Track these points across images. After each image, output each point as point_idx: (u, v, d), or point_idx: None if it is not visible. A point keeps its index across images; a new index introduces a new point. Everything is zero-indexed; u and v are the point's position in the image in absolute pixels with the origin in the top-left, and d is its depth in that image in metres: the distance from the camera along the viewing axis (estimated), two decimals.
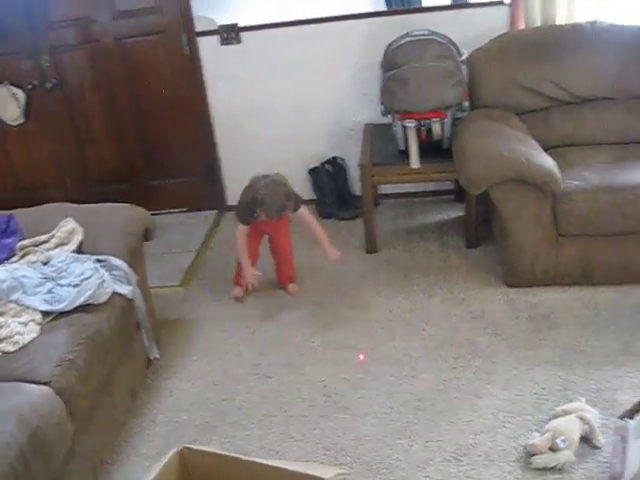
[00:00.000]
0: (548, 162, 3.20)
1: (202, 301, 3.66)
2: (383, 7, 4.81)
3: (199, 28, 4.34)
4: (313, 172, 4.50)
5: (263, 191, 3.24)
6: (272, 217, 3.29)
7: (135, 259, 2.99)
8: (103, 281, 2.68)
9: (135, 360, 2.95)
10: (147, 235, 3.12)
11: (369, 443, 2.53)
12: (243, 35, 4.33)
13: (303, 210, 3.47)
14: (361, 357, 3.01)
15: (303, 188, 4.54)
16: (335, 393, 2.81)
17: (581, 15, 3.99)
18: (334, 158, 4.50)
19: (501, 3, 4.13)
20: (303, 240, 3.78)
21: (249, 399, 2.85)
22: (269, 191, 3.25)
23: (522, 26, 4.09)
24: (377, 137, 4.09)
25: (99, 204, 3.17)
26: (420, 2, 4.99)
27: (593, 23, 3.83)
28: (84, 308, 2.58)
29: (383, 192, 4.59)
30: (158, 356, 3.11)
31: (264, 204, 3.24)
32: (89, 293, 2.60)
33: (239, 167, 4.61)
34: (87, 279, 2.64)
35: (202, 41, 4.37)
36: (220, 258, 4.11)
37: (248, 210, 3.35)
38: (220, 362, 3.11)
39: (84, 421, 2.40)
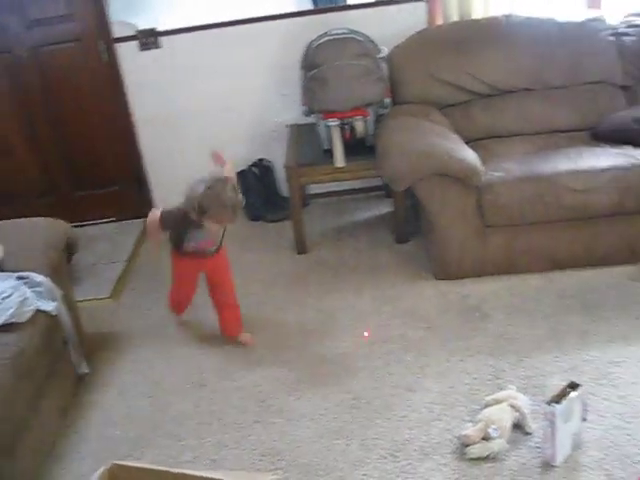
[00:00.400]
0: (470, 155, 3.24)
1: (133, 312, 3.59)
2: (310, 6, 4.80)
3: (117, 34, 4.27)
4: (240, 175, 4.45)
5: (209, 193, 2.77)
6: (230, 219, 2.85)
7: (59, 274, 2.91)
8: (25, 299, 2.60)
9: (64, 377, 2.87)
10: (70, 248, 3.05)
11: (305, 445, 2.52)
12: (163, 39, 4.28)
13: None
14: (366, 334, 3.06)
15: None
16: (269, 397, 2.79)
17: (497, 9, 4.07)
18: (260, 160, 4.48)
19: (419, 0, 4.18)
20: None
21: (182, 409, 2.80)
22: (216, 191, 2.77)
23: (440, 22, 4.15)
24: (302, 137, 4.09)
25: (18, 219, 3.09)
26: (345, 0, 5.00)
27: (508, 16, 3.92)
28: (6, 327, 2.50)
29: (312, 192, 4.59)
30: (87, 371, 3.03)
31: (214, 207, 2.77)
32: (10, 312, 2.52)
33: (166, 173, 4.57)
34: (7, 297, 2.56)
35: (120, 47, 4.30)
36: (150, 267, 4.05)
37: (185, 231, 2.96)
38: (152, 373, 3.06)
39: (10, 443, 2.32)
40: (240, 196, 2.87)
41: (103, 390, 2.98)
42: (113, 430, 2.73)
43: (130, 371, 3.09)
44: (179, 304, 3.30)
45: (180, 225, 2.94)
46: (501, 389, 2.61)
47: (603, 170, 3.22)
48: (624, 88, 3.84)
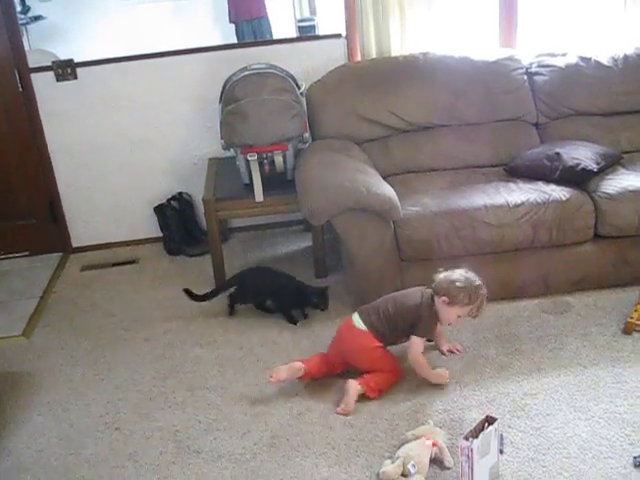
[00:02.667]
0: (387, 190, 3.28)
1: (46, 350, 3.46)
2: (234, 40, 4.81)
3: (33, 63, 4.17)
4: (158, 209, 4.40)
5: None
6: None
7: None
8: None
9: None
10: None
11: None
12: (80, 71, 4.20)
13: None
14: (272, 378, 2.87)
15: (150, 226, 4.46)
16: (187, 438, 2.73)
17: (414, 47, 4.16)
18: (180, 194, 4.43)
19: (338, 36, 4.24)
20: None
21: (97, 452, 2.71)
22: None
23: (359, 58, 4.21)
24: (222, 171, 4.07)
25: None
26: (271, 34, 5.05)
27: (425, 54, 4.00)
28: None
29: (233, 226, 4.56)
30: None
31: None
32: None
33: (83, 206, 4.49)
34: None
35: (36, 77, 4.20)
36: (65, 303, 3.93)
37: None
38: (65, 415, 2.95)
39: None
40: None
41: (13, 433, 2.85)
42: (23, 476, 2.62)
43: (42, 413, 2.98)
44: None
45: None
46: (420, 424, 2.62)
47: (517, 205, 3.30)
48: (537, 125, 3.97)
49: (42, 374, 3.26)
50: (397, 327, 2.89)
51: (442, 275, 2.84)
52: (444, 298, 2.77)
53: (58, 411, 2.98)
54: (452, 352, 3.09)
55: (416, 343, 2.86)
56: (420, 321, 2.84)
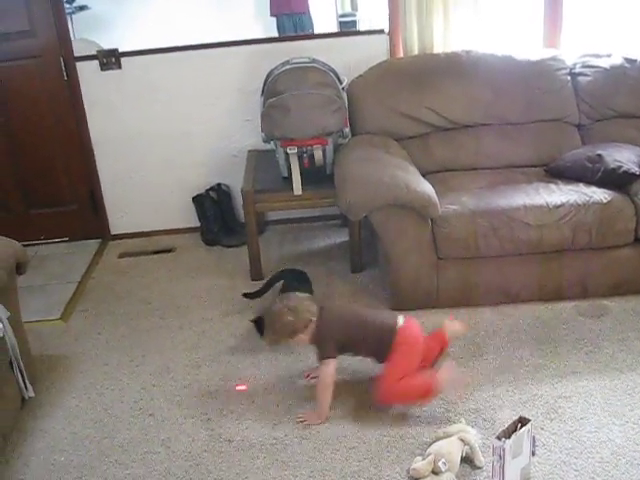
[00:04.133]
0: (426, 187, 3.27)
1: (83, 334, 3.52)
2: (275, 33, 4.82)
3: (78, 52, 4.23)
4: (197, 199, 4.44)
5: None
6: None
7: (6, 295, 2.84)
8: None
9: (7, 400, 2.79)
10: (19, 269, 2.97)
11: (254, 476, 2.48)
12: (124, 60, 4.25)
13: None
14: (242, 387, 2.94)
15: (188, 216, 4.50)
16: (219, 426, 2.75)
17: (457, 44, 4.13)
18: (218, 185, 4.46)
19: (381, 32, 4.23)
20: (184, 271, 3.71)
21: (130, 436, 2.74)
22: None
23: (401, 54, 4.20)
24: (261, 163, 4.09)
25: None
26: (312, 29, 5.04)
27: (468, 52, 3.97)
28: None
29: (270, 218, 4.59)
30: (33, 395, 2.95)
31: None
32: None
33: (122, 195, 4.54)
34: None
35: (81, 66, 4.26)
36: (103, 289, 3.98)
37: None
38: (100, 399, 3.00)
39: None
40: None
41: (48, 415, 2.91)
42: (58, 457, 2.66)
43: (77, 396, 3.03)
44: None
45: None
46: (452, 422, 2.61)
47: (557, 206, 3.27)
48: (579, 127, 3.92)
49: (78, 358, 3.31)
50: None
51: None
52: None
53: (93, 395, 3.03)
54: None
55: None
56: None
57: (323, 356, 2.76)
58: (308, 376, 2.97)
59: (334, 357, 2.75)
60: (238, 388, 2.96)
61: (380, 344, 2.78)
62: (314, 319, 2.77)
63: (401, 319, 2.85)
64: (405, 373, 2.71)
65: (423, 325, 3.25)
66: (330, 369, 2.74)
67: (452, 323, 2.98)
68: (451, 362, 2.87)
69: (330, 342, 2.77)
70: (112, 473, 2.56)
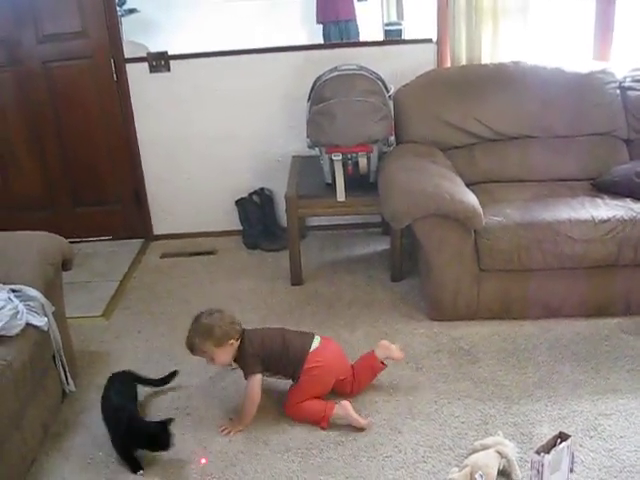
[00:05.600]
0: (471, 198, 3.25)
1: (124, 332, 3.57)
2: (320, 40, 4.85)
3: (128, 54, 4.30)
4: (240, 203, 4.47)
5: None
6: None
7: (52, 289, 2.90)
8: (17, 312, 2.58)
9: (49, 393, 2.84)
10: (65, 265, 3.03)
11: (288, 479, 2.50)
12: (173, 63, 4.31)
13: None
14: (203, 461, 2.62)
15: (230, 219, 4.54)
16: (255, 429, 2.77)
17: (505, 55, 4.11)
18: (262, 189, 4.50)
19: (429, 41, 4.23)
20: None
21: None
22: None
23: (448, 64, 4.19)
24: (304, 169, 4.11)
25: (15, 232, 3.08)
26: (358, 37, 5.06)
27: (516, 63, 3.95)
28: None
29: (311, 224, 4.60)
30: (74, 389, 3.00)
31: None
32: (1, 325, 2.50)
33: (166, 196, 4.59)
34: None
35: (131, 68, 4.33)
36: (144, 288, 4.04)
37: None
38: (139, 396, 3.03)
39: None
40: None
41: (88, 410, 2.95)
42: (96, 452, 2.70)
43: None
44: None
45: None
46: (489, 435, 2.59)
47: (603, 221, 3.23)
48: (627, 142, 3.86)
49: (119, 355, 3.36)
50: None
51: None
52: None
53: None
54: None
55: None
56: None
57: (248, 372, 2.80)
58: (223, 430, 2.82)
59: (259, 372, 2.79)
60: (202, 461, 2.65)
61: (293, 366, 2.83)
62: (239, 336, 2.81)
63: (316, 342, 2.88)
64: (309, 396, 2.81)
65: (461, 337, 3.26)
66: (256, 385, 2.79)
67: (386, 347, 2.92)
68: (347, 402, 2.78)
69: (254, 358, 2.80)
70: (149, 471, 2.58)
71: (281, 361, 2.83)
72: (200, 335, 2.76)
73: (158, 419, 2.64)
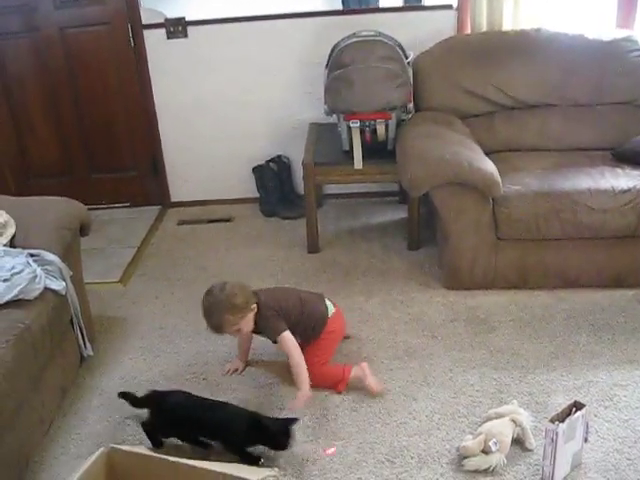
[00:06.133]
0: (489, 166, 3.23)
1: (141, 298, 3.60)
2: (339, 6, 4.78)
3: (145, 20, 4.28)
4: (257, 170, 4.46)
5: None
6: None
7: (70, 254, 2.92)
8: (35, 276, 2.61)
9: (67, 357, 2.88)
10: (83, 230, 3.05)
11: (303, 445, 2.51)
12: (190, 29, 4.28)
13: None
14: (330, 451, 2.50)
15: (247, 186, 4.53)
16: (270, 394, 2.79)
17: (527, 22, 4.04)
18: (279, 156, 4.48)
19: (449, 7, 4.16)
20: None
21: None
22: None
23: (468, 31, 4.13)
24: (322, 136, 4.09)
25: (33, 197, 3.10)
26: (377, 3, 4.99)
27: (538, 31, 3.88)
28: (14, 303, 2.51)
29: (328, 192, 4.59)
30: (92, 353, 3.04)
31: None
32: (19, 288, 2.53)
33: (183, 163, 4.60)
34: (18, 274, 2.57)
35: (148, 34, 4.31)
36: (161, 255, 4.06)
37: None
38: (156, 361, 3.06)
39: (10, 419, 2.32)
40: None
41: (106, 374, 2.99)
42: (113, 414, 2.73)
43: (134, 357, 3.10)
44: None
45: None
46: (504, 403, 2.60)
47: (623, 191, 3.19)
48: None
49: (136, 320, 3.39)
50: None
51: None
52: None
53: (149, 357, 3.09)
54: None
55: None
56: None
57: (276, 333, 2.73)
58: (228, 371, 2.93)
59: (286, 329, 2.72)
60: (327, 452, 2.52)
61: (312, 329, 2.83)
62: (256, 299, 2.75)
63: (331, 307, 2.91)
64: (329, 357, 2.85)
65: (477, 306, 3.27)
66: (290, 342, 2.71)
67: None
68: (365, 364, 2.80)
69: (275, 317, 2.75)
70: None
71: (300, 322, 2.81)
72: (224, 311, 2.64)
73: (283, 417, 2.54)
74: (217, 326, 2.68)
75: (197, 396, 2.57)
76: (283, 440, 2.40)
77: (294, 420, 2.44)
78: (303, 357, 2.70)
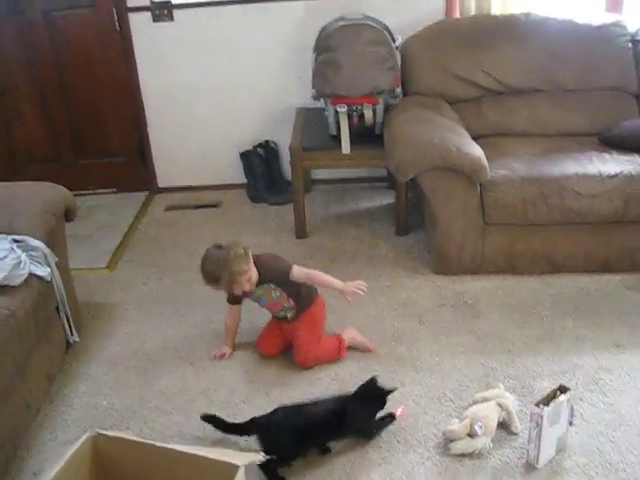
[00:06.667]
0: (477, 151, 3.22)
1: (128, 284, 3.59)
2: None
3: (131, 3, 4.23)
4: (245, 156, 4.44)
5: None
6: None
7: (55, 240, 2.90)
8: (20, 262, 2.59)
9: (53, 343, 2.86)
10: (68, 215, 3.03)
11: None
12: (176, 12, 4.24)
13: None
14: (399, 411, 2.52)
15: (234, 172, 4.51)
16: (257, 379, 2.79)
17: (515, 6, 4.04)
18: (266, 142, 4.46)
19: None
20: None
21: (171, 384, 2.80)
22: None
23: (457, 14, 4.11)
24: (309, 121, 4.08)
25: (17, 182, 3.07)
26: None
27: (527, 15, 3.88)
28: None
29: (316, 177, 4.58)
30: (78, 340, 3.03)
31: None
32: (4, 274, 2.51)
33: (170, 148, 4.57)
34: (2, 260, 2.55)
35: (133, 17, 4.26)
36: (148, 241, 4.04)
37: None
38: (143, 347, 3.05)
39: None
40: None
41: (92, 360, 2.98)
42: (100, 400, 2.73)
43: (121, 343, 3.09)
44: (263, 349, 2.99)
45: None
46: (490, 387, 2.60)
47: (610, 176, 3.19)
48: (637, 96, 3.81)
49: (123, 306, 3.38)
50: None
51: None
52: None
53: (136, 342, 3.09)
54: (357, 292, 2.80)
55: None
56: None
57: (288, 267, 2.77)
58: (215, 356, 2.94)
59: (292, 263, 2.79)
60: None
61: (307, 293, 2.86)
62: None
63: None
64: (320, 335, 2.87)
65: (465, 291, 3.28)
66: (303, 270, 2.78)
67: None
68: (351, 325, 2.94)
69: (279, 257, 2.84)
70: (152, 418, 2.62)
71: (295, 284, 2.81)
72: (239, 262, 2.67)
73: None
74: (231, 281, 2.69)
75: (294, 404, 2.45)
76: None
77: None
78: (323, 274, 2.83)
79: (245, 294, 2.81)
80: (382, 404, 2.45)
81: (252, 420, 2.41)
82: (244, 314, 2.99)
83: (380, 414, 2.46)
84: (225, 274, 2.67)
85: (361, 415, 2.42)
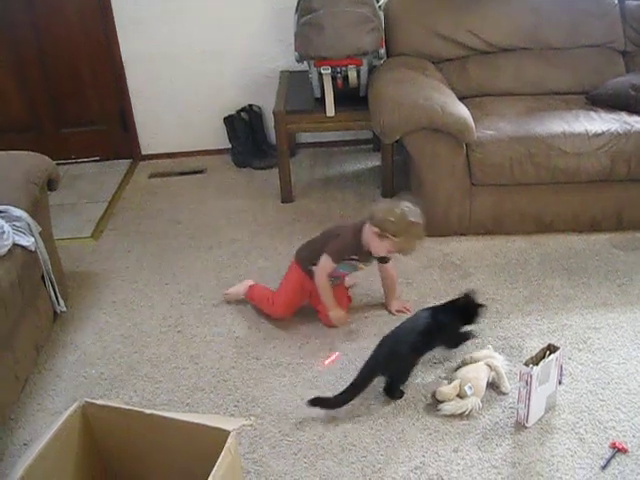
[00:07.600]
0: (462, 111, 3.20)
1: (113, 253, 3.55)
2: None
3: None
4: (228, 120, 4.39)
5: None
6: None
7: (38, 210, 2.86)
8: (3, 232, 2.55)
9: (40, 314, 2.84)
10: (51, 185, 2.99)
11: (280, 393, 2.52)
12: None
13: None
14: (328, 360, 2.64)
15: (218, 137, 4.46)
16: (247, 344, 2.78)
17: None
18: (250, 106, 4.40)
19: None
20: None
21: (159, 352, 2.79)
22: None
23: None
24: (293, 84, 4.03)
25: None
26: None
27: None
28: None
29: (301, 141, 4.54)
30: (65, 309, 3.00)
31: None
32: None
33: (153, 115, 4.50)
34: None
35: None
36: (133, 209, 4.00)
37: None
38: (130, 315, 3.03)
39: None
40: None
41: (80, 329, 2.96)
42: (88, 370, 2.72)
43: (108, 312, 3.07)
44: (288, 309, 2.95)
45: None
46: (479, 348, 2.61)
47: (597, 134, 3.19)
48: (624, 54, 3.79)
49: (108, 275, 3.35)
50: (316, 248, 2.80)
51: (382, 205, 2.68)
52: (375, 229, 2.62)
53: (123, 311, 3.07)
54: (401, 312, 2.88)
55: (321, 261, 2.74)
56: (335, 239, 2.76)
57: (333, 253, 2.75)
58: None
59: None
60: (327, 361, 2.66)
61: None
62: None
63: None
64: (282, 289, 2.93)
65: (452, 252, 3.30)
66: (324, 269, 2.79)
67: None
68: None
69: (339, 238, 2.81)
70: (141, 387, 2.61)
71: None
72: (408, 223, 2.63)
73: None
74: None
75: (397, 328, 2.56)
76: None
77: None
78: None
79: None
80: (472, 317, 2.61)
81: (370, 361, 2.46)
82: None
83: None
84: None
85: (450, 327, 2.60)
